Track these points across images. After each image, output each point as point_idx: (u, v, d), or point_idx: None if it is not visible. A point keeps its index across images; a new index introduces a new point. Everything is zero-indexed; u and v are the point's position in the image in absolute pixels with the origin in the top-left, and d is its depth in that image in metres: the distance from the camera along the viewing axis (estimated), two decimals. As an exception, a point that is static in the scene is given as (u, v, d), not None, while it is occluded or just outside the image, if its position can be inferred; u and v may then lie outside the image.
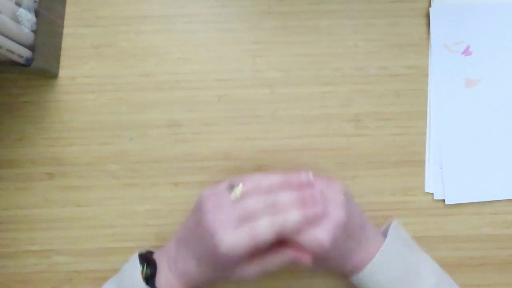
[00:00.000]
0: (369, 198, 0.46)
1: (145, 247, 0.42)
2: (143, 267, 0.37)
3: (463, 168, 0.46)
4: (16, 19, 0.41)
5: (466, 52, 0.47)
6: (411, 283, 0.37)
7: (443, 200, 0.46)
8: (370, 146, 0.46)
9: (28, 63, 0.42)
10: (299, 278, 0.45)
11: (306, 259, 0.35)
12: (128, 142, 0.46)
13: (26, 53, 0.42)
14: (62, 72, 0.47)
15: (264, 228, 0.33)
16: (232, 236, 0.33)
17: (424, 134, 0.46)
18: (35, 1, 0.43)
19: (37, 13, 0.43)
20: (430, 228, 0.46)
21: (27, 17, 0.42)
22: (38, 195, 0.46)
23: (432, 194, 0.46)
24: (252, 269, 0.35)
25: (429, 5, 0.47)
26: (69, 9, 0.47)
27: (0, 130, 0.46)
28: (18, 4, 0.41)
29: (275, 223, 0.33)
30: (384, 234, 0.40)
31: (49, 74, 0.46)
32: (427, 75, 0.47)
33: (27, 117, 0.47)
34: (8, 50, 0.39)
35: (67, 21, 0.47)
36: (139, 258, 0.38)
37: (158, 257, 0.39)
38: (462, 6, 0.47)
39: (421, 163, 0.46)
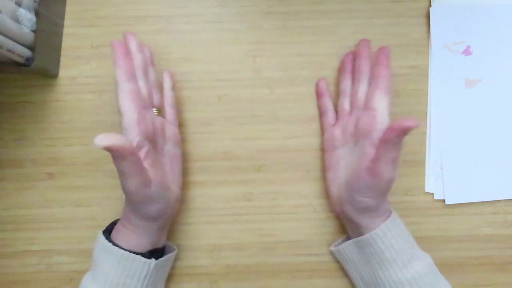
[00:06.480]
0: (369, 198, 0.46)
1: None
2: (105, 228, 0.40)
3: (463, 168, 0.46)
4: (16, 19, 0.41)
5: (466, 52, 0.47)
6: (411, 257, 0.38)
7: (443, 200, 0.46)
8: (370, 146, 0.46)
9: (28, 63, 0.42)
10: (299, 278, 0.45)
11: None
12: (128, 142, 0.46)
13: (26, 53, 0.42)
14: (62, 72, 0.47)
15: None
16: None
17: (424, 134, 0.46)
18: (35, 1, 0.43)
19: (37, 13, 0.43)
20: (430, 228, 0.46)
21: (27, 17, 0.42)
22: (38, 195, 0.46)
23: (432, 194, 0.46)
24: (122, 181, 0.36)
25: (429, 5, 0.47)
26: (69, 9, 0.47)
27: (0, 130, 0.46)
28: (18, 4, 0.41)
29: None
30: None
31: (49, 74, 0.46)
32: (427, 75, 0.47)
33: (27, 117, 0.47)
34: (8, 50, 0.39)
35: (67, 21, 0.47)
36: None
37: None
38: (462, 6, 0.47)
39: (421, 163, 0.46)
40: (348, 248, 0.42)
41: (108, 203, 0.46)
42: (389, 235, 0.38)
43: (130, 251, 0.37)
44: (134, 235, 0.38)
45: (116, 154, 0.33)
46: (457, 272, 0.45)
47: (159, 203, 0.38)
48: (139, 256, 0.37)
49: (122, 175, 0.35)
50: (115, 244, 0.37)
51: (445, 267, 0.45)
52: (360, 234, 0.39)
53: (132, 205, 0.37)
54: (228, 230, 0.46)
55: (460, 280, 0.45)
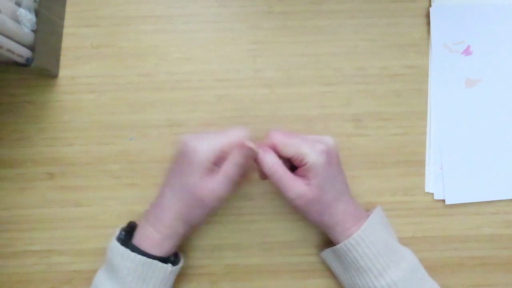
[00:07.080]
0: (369, 198, 0.46)
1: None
2: (120, 231, 0.40)
3: (463, 168, 0.46)
4: (16, 19, 0.41)
5: (466, 52, 0.47)
6: (388, 264, 0.38)
7: (443, 200, 0.46)
8: (370, 146, 0.46)
9: (28, 63, 0.42)
10: (299, 278, 0.45)
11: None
12: (128, 142, 0.46)
13: (26, 53, 0.42)
14: (62, 72, 0.47)
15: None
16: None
17: (424, 134, 0.46)
18: (35, 1, 0.43)
19: (37, 13, 0.43)
20: (430, 228, 0.46)
21: (27, 17, 0.42)
22: (38, 195, 0.46)
23: (432, 194, 0.46)
24: (220, 181, 0.38)
25: (429, 5, 0.47)
26: (69, 9, 0.47)
27: (0, 130, 0.46)
28: (18, 4, 0.41)
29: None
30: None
31: (49, 74, 0.46)
32: (427, 75, 0.47)
33: (27, 117, 0.47)
34: (8, 50, 0.39)
35: (67, 21, 0.47)
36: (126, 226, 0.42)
37: (141, 218, 0.41)
38: (462, 6, 0.47)
39: (421, 163, 0.46)
40: (327, 255, 0.43)
41: (108, 203, 0.46)
42: (363, 244, 0.38)
43: (148, 256, 0.38)
44: (171, 241, 0.39)
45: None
46: (457, 272, 0.45)
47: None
48: (156, 261, 0.38)
49: (228, 179, 0.38)
50: (133, 250, 0.38)
51: (445, 267, 0.45)
52: (337, 242, 0.40)
53: (192, 213, 0.39)
54: (228, 230, 0.46)
55: (460, 280, 0.45)
